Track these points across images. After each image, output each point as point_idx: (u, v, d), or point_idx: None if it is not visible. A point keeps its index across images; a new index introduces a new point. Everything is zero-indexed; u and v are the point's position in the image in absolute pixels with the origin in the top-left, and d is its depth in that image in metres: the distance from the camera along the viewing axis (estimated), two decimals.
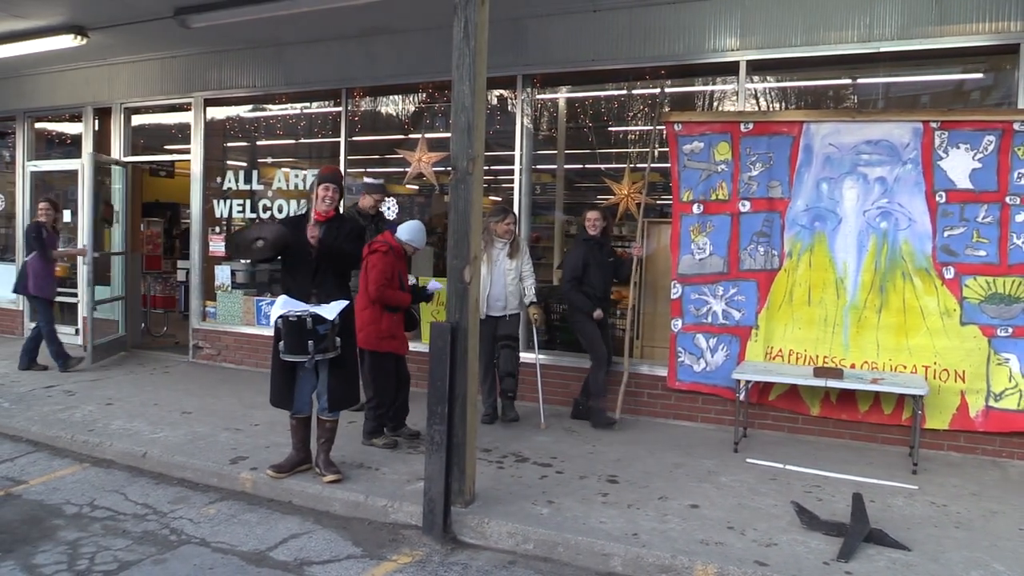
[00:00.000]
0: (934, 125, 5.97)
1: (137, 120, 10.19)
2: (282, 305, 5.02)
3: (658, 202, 7.55)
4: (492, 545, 4.41)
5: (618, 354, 6.84)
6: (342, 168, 8.52)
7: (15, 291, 8.82)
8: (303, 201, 8.67)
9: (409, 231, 6.00)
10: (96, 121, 10.35)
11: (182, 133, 9.71)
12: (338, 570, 4.07)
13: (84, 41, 8.41)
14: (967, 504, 4.91)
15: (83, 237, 9.05)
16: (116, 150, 10.06)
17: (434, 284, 6.46)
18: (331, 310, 4.97)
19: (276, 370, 5.16)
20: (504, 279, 6.61)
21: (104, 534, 4.45)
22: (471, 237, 4.51)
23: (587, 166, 8.43)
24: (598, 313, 6.70)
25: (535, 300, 6.76)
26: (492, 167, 8.13)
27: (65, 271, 9.09)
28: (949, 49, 6.18)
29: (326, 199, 5.10)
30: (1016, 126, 5.73)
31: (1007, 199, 5.81)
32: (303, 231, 5.05)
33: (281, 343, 4.97)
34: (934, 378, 5.95)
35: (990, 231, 5.87)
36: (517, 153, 7.65)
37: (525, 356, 7.02)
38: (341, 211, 5.45)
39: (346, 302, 5.12)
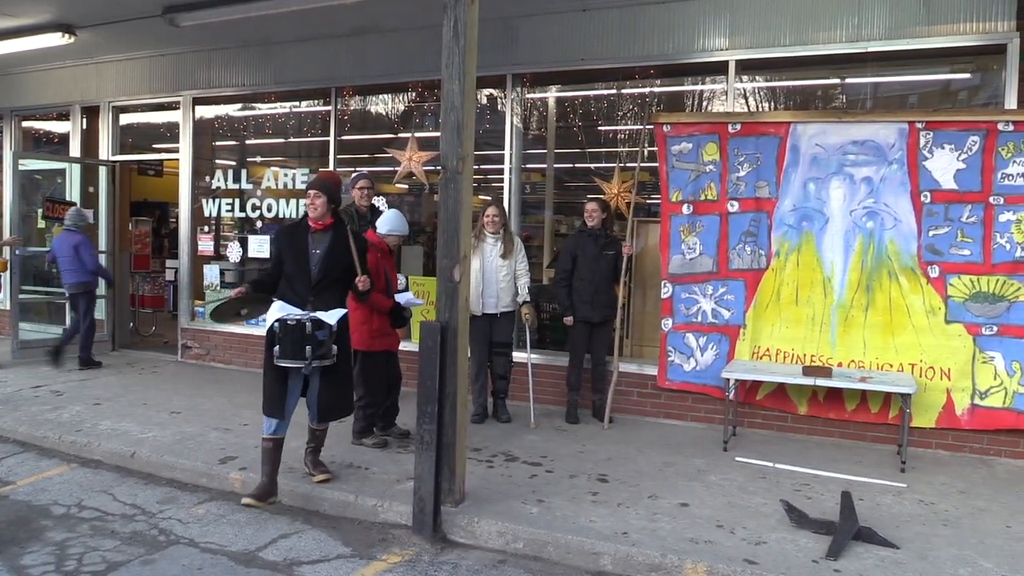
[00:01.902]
0: (919, 125, 6.01)
1: (125, 119, 10.15)
2: (279, 309, 4.81)
3: (648, 201, 7.57)
4: (482, 544, 4.42)
5: (608, 353, 6.85)
6: (331, 167, 8.50)
7: None
8: (292, 201, 8.66)
9: (387, 222, 5.93)
10: (84, 120, 10.31)
11: (171, 132, 9.67)
12: (328, 570, 4.06)
13: (72, 39, 8.38)
14: (955, 502, 4.95)
15: (8, 230, 9.15)
16: (104, 149, 10.02)
17: (409, 297, 6.07)
18: (331, 316, 4.82)
19: (269, 377, 4.87)
20: (496, 275, 6.60)
21: (92, 535, 4.43)
22: (460, 236, 4.51)
23: (577, 165, 8.45)
24: (567, 320, 6.76)
25: (528, 299, 6.76)
26: (482, 166, 8.13)
27: (4, 266, 9.23)
28: (937, 49, 6.21)
29: (314, 206, 4.92)
30: (1000, 126, 5.77)
31: (991, 199, 5.86)
32: (301, 238, 4.93)
33: (276, 348, 4.72)
34: (920, 376, 5.99)
35: (974, 231, 5.91)
36: (507, 152, 7.66)
37: (517, 355, 7.02)
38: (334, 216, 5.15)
39: (344, 310, 4.98)
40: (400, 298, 5.93)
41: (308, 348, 4.66)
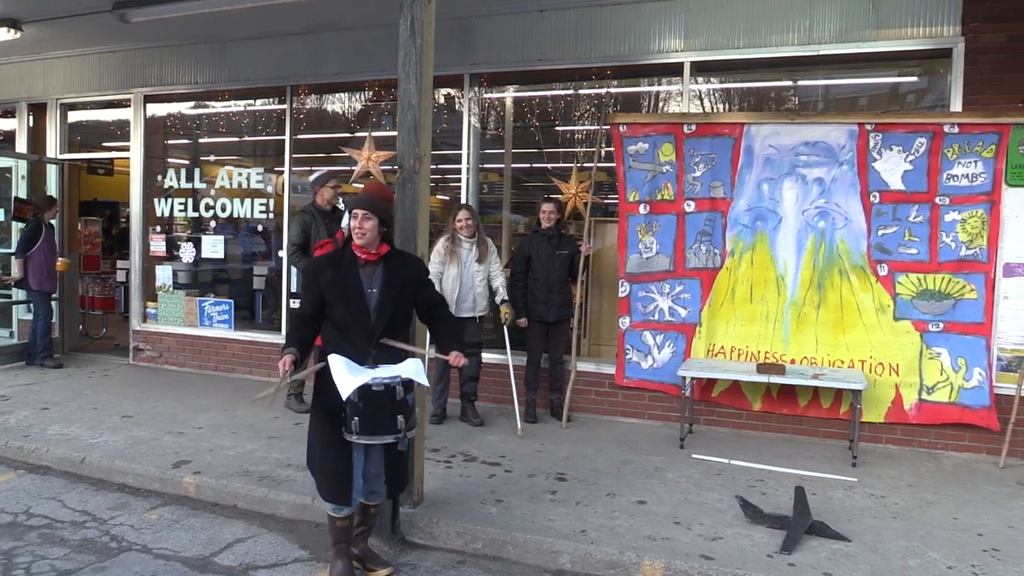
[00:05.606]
0: (869, 127, 6.14)
1: (74, 116, 9.92)
2: (349, 369, 3.69)
3: (605, 201, 7.61)
4: (441, 545, 4.41)
5: (566, 352, 6.88)
6: (286, 167, 8.42)
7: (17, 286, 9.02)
8: (247, 200, 8.53)
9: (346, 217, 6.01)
10: (31, 117, 10.04)
11: (121, 130, 9.47)
12: (284, 574, 4.02)
13: (18, 35, 8.16)
14: (904, 495, 5.07)
15: None
16: (52, 147, 9.78)
17: None
18: (417, 372, 3.81)
19: (331, 453, 3.82)
20: (473, 280, 6.57)
21: (41, 543, 4.32)
22: (418, 236, 4.49)
23: (534, 165, 8.46)
24: (521, 321, 6.76)
25: (506, 298, 6.72)
26: (439, 166, 8.10)
27: (66, 266, 9.42)
28: (886, 52, 6.36)
29: (361, 231, 3.79)
30: (946, 128, 5.92)
31: (937, 199, 6.01)
32: (350, 275, 3.85)
33: (354, 421, 3.65)
34: (870, 372, 6.12)
35: (921, 230, 6.07)
36: (464, 152, 7.65)
37: (496, 357, 6.98)
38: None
39: (418, 360, 3.91)
40: None
41: (400, 418, 3.72)
